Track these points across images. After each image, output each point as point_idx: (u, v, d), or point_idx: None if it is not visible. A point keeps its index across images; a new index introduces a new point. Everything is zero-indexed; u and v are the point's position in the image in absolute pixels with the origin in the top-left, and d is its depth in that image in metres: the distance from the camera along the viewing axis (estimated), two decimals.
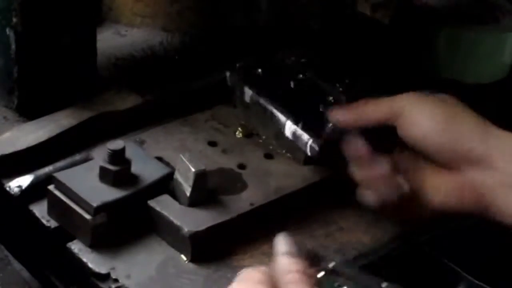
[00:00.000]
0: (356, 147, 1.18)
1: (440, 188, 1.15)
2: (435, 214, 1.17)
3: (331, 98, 1.29)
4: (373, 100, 1.20)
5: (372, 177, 1.16)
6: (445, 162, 1.15)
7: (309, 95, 1.32)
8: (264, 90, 1.33)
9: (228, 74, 1.36)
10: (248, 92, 1.33)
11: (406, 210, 1.17)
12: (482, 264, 1.22)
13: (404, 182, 1.15)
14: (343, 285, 0.98)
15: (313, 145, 1.24)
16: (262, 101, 1.32)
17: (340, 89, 1.30)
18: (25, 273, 1.27)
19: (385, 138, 1.20)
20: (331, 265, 0.99)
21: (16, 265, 1.27)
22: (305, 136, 1.25)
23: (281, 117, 1.28)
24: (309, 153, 1.24)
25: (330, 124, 1.23)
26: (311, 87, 1.33)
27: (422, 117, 1.15)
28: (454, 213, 1.16)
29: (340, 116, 1.22)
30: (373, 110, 1.20)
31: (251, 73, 1.36)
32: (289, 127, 1.27)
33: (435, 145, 1.15)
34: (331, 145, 1.24)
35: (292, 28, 1.43)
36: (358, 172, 1.18)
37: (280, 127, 1.28)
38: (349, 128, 1.20)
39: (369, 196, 1.16)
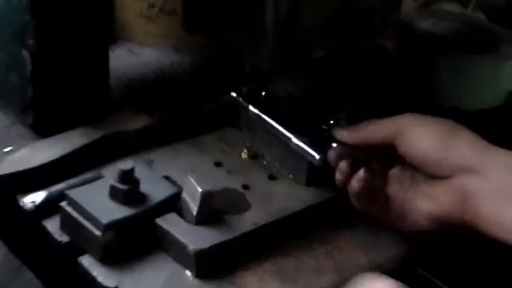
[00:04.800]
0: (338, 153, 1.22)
1: (432, 195, 1.17)
2: (419, 224, 1.18)
3: (331, 121, 1.30)
4: (376, 121, 1.23)
5: (363, 186, 1.18)
6: (440, 174, 1.16)
7: (310, 118, 1.32)
8: (268, 110, 1.33)
9: (234, 95, 1.36)
10: (253, 112, 1.34)
11: (400, 220, 1.20)
12: None
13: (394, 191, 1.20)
14: None
15: (319, 155, 1.25)
16: (266, 119, 1.32)
17: (344, 114, 1.30)
18: (36, 282, 1.26)
19: (380, 157, 1.22)
20: None
21: (29, 274, 1.26)
22: (310, 148, 1.26)
23: (286, 133, 1.29)
24: (314, 163, 1.25)
25: (335, 144, 1.24)
26: (313, 111, 1.33)
27: (421, 135, 1.18)
28: (441, 222, 1.16)
29: (346, 134, 1.24)
30: (376, 130, 1.22)
31: (255, 95, 1.36)
32: (295, 141, 1.27)
33: (433, 160, 1.16)
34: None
35: (296, 53, 1.42)
36: (355, 183, 1.19)
37: (286, 141, 1.28)
38: (352, 146, 1.22)
39: (354, 201, 1.20)
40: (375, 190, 1.20)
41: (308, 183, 1.30)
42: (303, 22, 1.20)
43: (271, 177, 1.31)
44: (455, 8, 2.20)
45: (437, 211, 1.17)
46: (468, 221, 1.13)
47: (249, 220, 1.21)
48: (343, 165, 1.21)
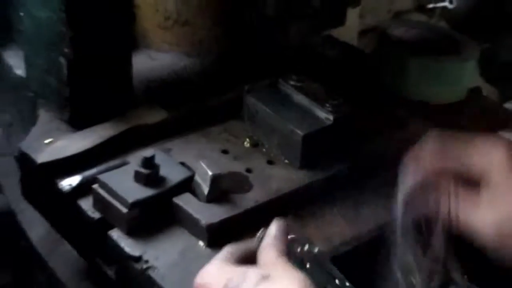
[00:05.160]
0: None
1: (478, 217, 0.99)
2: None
3: (322, 115, 1.30)
4: (464, 146, 1.01)
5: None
6: None
7: (301, 109, 1.32)
8: (269, 105, 1.33)
9: (244, 93, 1.36)
10: (257, 106, 1.34)
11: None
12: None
13: None
14: (310, 263, 0.99)
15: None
16: (268, 110, 1.32)
17: (329, 108, 1.30)
18: (73, 252, 1.29)
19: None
20: (306, 247, 1.00)
21: (67, 246, 1.29)
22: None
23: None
24: None
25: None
26: (304, 103, 1.33)
27: (496, 164, 0.97)
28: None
29: (425, 163, 1.04)
30: (441, 161, 1.02)
31: (259, 92, 1.36)
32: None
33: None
34: None
35: (292, 57, 1.44)
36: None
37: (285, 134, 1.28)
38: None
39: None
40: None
41: (301, 167, 1.29)
42: None
43: (270, 162, 1.30)
44: (423, 18, 2.21)
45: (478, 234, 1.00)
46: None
47: (251, 199, 1.21)
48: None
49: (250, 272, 0.92)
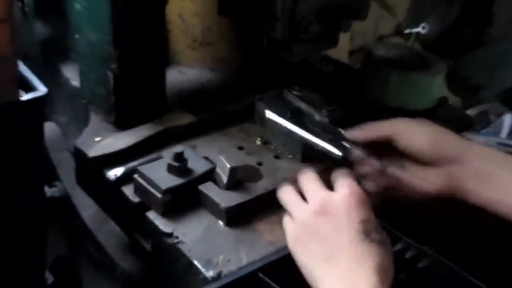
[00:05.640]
0: (362, 155, 1.14)
1: (429, 179, 1.11)
2: (419, 199, 1.13)
3: (318, 119, 1.30)
4: (376, 123, 1.17)
5: (372, 173, 1.13)
6: (432, 162, 1.11)
7: (303, 116, 1.31)
8: (277, 112, 1.28)
9: (255, 101, 1.36)
10: (267, 113, 1.29)
11: (400, 195, 1.14)
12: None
13: (396, 174, 1.12)
14: None
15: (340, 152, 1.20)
16: (276, 118, 1.28)
17: (325, 113, 1.30)
18: (118, 229, 1.29)
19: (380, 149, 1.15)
20: None
21: (113, 224, 1.29)
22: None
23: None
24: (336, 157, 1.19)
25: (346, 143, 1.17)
26: (304, 109, 1.33)
27: (418, 134, 1.12)
28: (436, 197, 1.12)
29: (355, 134, 1.17)
30: (377, 129, 1.16)
31: (268, 101, 1.35)
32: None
33: (426, 152, 1.11)
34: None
35: (295, 72, 1.43)
36: (363, 170, 1.14)
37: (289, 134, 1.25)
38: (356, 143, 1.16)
39: (370, 186, 1.13)
40: (386, 176, 1.13)
41: (302, 161, 1.28)
42: (300, 11, 1.17)
43: (277, 157, 1.30)
44: (401, 41, 2.20)
45: (434, 191, 1.11)
46: (459, 196, 1.10)
47: (261, 186, 1.20)
48: (366, 162, 1.15)
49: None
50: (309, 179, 1.06)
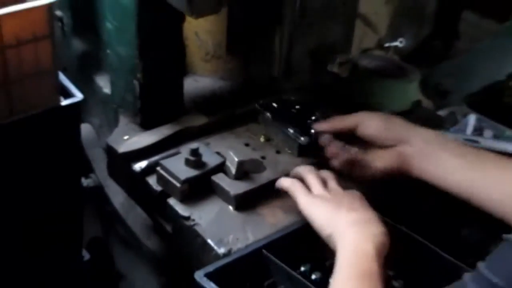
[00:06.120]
0: (328, 139, 1.21)
1: (383, 157, 1.16)
2: (376, 175, 1.17)
3: (313, 117, 1.30)
4: (342, 116, 1.23)
5: (336, 152, 1.19)
6: (386, 144, 1.16)
7: (300, 118, 1.32)
8: (276, 115, 1.33)
9: (257, 106, 1.36)
10: (268, 116, 1.33)
11: (360, 172, 1.18)
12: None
13: (355, 152, 1.17)
14: None
15: (305, 138, 1.26)
16: (274, 120, 1.32)
17: (318, 115, 1.31)
18: (144, 214, 1.29)
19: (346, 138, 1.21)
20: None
21: (139, 209, 1.29)
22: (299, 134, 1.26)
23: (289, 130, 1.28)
24: (301, 143, 1.26)
25: (313, 131, 1.25)
26: (301, 114, 1.33)
27: (372, 122, 1.18)
28: (389, 173, 1.16)
29: (322, 125, 1.24)
30: (342, 121, 1.22)
31: (269, 106, 1.35)
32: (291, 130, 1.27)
33: (381, 137, 1.16)
34: (314, 142, 1.25)
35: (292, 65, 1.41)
36: (329, 151, 1.20)
37: (287, 133, 1.28)
38: (325, 133, 1.22)
39: (335, 163, 1.19)
40: (350, 157, 1.18)
41: (299, 155, 1.28)
42: (295, 51, 1.18)
43: (277, 152, 1.29)
44: (382, 53, 2.19)
45: (386, 167, 1.15)
46: (407, 172, 1.14)
47: (265, 177, 1.20)
48: (331, 144, 1.20)
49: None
50: (309, 171, 1.13)
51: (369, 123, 1.18)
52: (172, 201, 1.16)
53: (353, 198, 1.06)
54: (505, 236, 0.76)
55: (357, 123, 1.19)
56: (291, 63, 1.20)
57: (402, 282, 1.06)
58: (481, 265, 0.77)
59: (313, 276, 1.05)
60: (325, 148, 1.21)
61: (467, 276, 0.79)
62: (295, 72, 1.28)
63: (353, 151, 1.18)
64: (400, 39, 2.27)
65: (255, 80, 1.32)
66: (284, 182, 1.14)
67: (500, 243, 0.76)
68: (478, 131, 1.61)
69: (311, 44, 1.18)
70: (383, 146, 1.16)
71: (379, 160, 1.16)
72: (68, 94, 1.11)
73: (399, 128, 1.16)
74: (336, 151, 1.19)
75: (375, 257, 0.93)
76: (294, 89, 1.38)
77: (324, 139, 1.21)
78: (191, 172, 1.16)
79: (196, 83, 1.45)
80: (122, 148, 1.25)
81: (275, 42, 1.15)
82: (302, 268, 1.07)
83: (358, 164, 1.17)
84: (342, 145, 1.19)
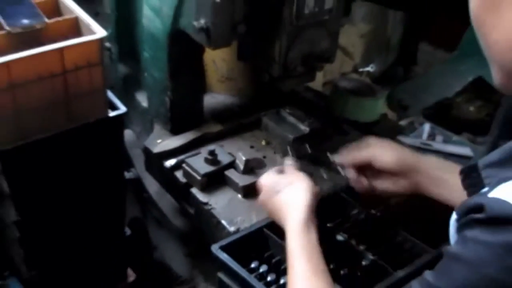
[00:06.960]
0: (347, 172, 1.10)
1: (396, 183, 1.06)
2: (392, 197, 1.10)
3: (302, 127, 1.28)
4: (357, 150, 1.10)
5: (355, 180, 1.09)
6: (398, 174, 1.05)
7: (292, 125, 1.30)
8: (275, 123, 1.31)
9: (261, 116, 1.34)
10: (269, 124, 1.32)
11: (374, 198, 1.10)
12: None
13: (366, 184, 1.08)
14: None
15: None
16: (274, 125, 1.31)
17: (306, 124, 1.29)
18: (172, 200, 1.28)
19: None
20: None
21: (169, 196, 1.28)
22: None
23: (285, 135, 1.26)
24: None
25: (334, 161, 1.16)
26: (293, 121, 1.31)
27: (385, 157, 1.05)
28: (402, 195, 1.08)
29: (342, 158, 1.12)
30: (359, 155, 1.09)
31: (269, 116, 1.34)
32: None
33: (393, 166, 1.05)
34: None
35: (287, 98, 1.40)
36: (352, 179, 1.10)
37: (283, 138, 1.26)
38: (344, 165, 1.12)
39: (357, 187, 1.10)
40: (369, 184, 1.09)
41: (293, 156, 1.24)
42: (290, 57, 1.16)
43: (275, 153, 1.28)
44: (357, 76, 2.18)
45: (401, 190, 1.07)
46: (422, 192, 1.04)
47: (266, 172, 1.14)
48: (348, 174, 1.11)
49: (283, 179, 1.01)
50: (290, 166, 1.07)
51: (381, 159, 1.06)
52: (194, 190, 1.16)
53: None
54: (443, 248, 0.68)
55: (371, 157, 1.07)
56: (287, 66, 1.17)
57: (373, 256, 1.03)
58: (427, 273, 0.70)
59: None
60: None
61: (413, 283, 0.71)
62: (290, 76, 1.25)
63: (365, 183, 1.09)
64: (371, 65, 2.27)
65: (258, 79, 1.28)
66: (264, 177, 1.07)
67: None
68: (432, 136, 1.61)
69: (304, 49, 1.15)
70: (396, 174, 1.06)
71: (394, 186, 1.07)
72: (114, 108, 1.11)
73: (408, 158, 1.05)
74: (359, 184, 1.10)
75: (307, 221, 0.92)
76: (287, 102, 1.36)
77: (345, 173, 1.13)
78: (209, 168, 1.15)
79: (213, 99, 1.44)
80: (156, 149, 1.24)
81: (275, 46, 1.13)
82: None
83: (374, 191, 1.09)
84: (356, 176, 1.10)
